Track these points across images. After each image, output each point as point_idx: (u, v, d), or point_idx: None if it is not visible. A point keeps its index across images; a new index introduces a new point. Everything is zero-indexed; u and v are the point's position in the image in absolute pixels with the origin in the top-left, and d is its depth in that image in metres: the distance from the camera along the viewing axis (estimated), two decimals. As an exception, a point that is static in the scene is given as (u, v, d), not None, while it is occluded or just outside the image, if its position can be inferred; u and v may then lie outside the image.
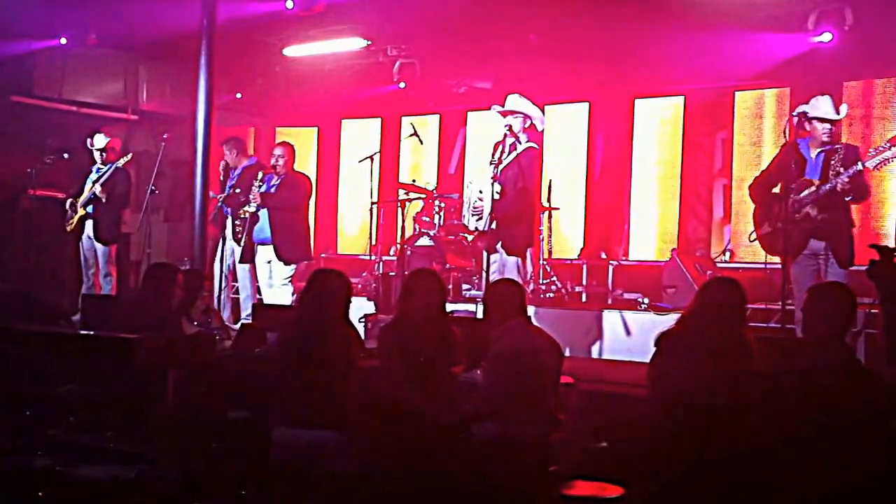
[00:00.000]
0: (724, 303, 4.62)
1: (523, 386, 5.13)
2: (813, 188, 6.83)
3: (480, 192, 7.46)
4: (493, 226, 7.41)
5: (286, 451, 4.97)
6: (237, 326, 8.07)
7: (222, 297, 9.04)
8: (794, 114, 6.99)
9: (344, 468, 4.84)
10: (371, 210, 11.12)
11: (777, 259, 7.35)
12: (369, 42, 11.17)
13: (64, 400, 6.18)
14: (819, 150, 6.95)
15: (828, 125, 6.90)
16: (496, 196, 7.37)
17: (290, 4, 9.34)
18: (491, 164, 7.50)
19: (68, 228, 9.53)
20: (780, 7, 9.25)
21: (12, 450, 5.36)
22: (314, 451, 4.90)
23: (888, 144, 6.76)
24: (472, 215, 7.59)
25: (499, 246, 7.52)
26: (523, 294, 5.59)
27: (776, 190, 7.19)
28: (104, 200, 9.34)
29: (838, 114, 6.93)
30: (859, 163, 6.68)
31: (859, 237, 7.11)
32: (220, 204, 9.06)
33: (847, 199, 6.76)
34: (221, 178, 9.11)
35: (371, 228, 11.23)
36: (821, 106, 6.94)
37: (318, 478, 4.79)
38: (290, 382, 5.12)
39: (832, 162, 6.82)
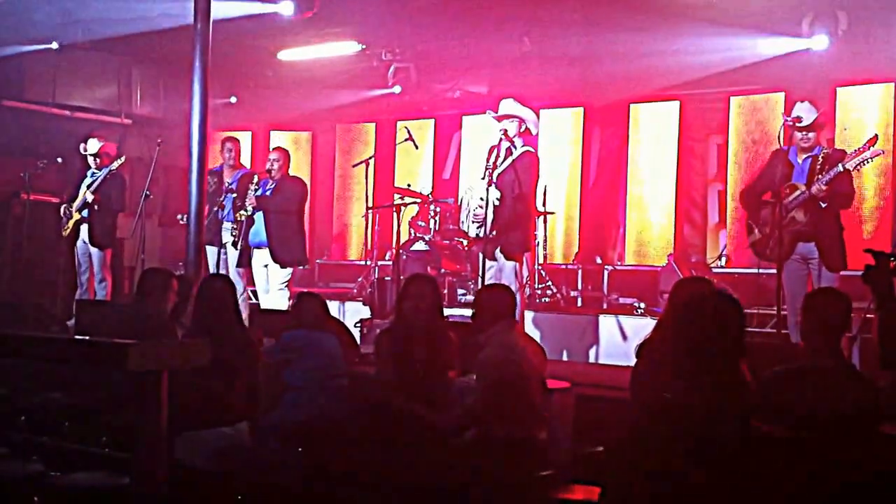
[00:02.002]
0: (694, 301, 4.60)
1: (512, 389, 5.12)
2: (798, 193, 6.87)
3: (482, 199, 7.42)
4: (494, 233, 7.39)
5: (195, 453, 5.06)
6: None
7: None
8: (788, 119, 7.01)
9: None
10: (366, 215, 11.12)
11: (773, 264, 7.36)
12: (364, 46, 11.17)
13: (58, 405, 6.15)
14: (805, 155, 6.98)
15: (803, 132, 6.93)
16: (496, 202, 7.35)
17: (288, 11, 9.26)
18: (486, 168, 7.49)
19: (64, 233, 9.51)
20: (774, 12, 9.27)
21: (6, 456, 5.33)
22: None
23: (867, 145, 6.79)
24: (473, 223, 7.54)
25: (497, 251, 7.50)
26: (514, 299, 5.59)
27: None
28: (97, 207, 9.33)
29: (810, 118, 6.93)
30: (839, 165, 6.71)
31: (863, 242, 7.10)
32: (214, 209, 9.05)
33: (822, 205, 6.78)
34: (213, 185, 9.10)
35: (366, 233, 11.23)
36: (796, 112, 6.98)
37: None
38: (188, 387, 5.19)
39: (817, 167, 6.86)
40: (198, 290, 5.76)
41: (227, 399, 5.41)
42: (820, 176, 6.78)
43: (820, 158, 6.89)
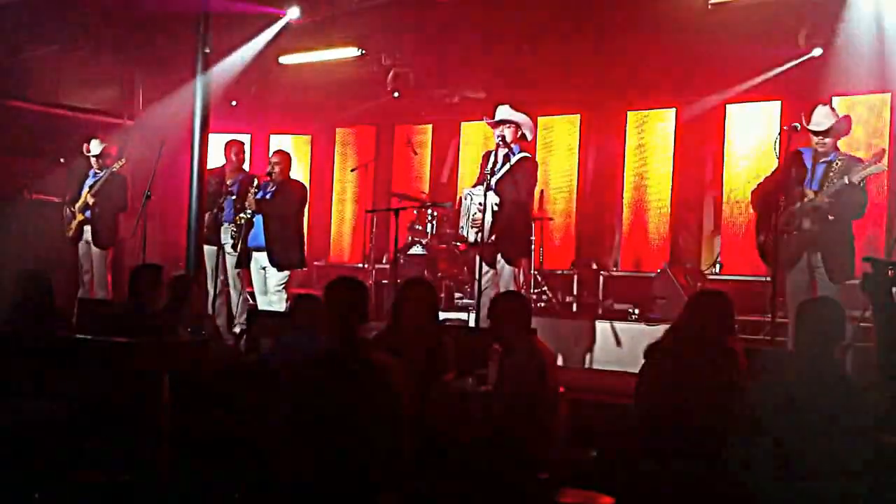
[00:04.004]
0: (711, 314, 4.68)
1: (534, 399, 5.18)
2: (807, 200, 6.79)
3: (481, 204, 7.47)
4: (493, 238, 7.44)
5: None
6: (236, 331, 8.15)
7: (217, 303, 9.09)
8: (798, 126, 6.96)
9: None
10: (364, 218, 11.18)
11: (767, 272, 7.35)
12: (363, 51, 11.23)
13: (59, 404, 6.19)
14: (821, 160, 6.89)
15: (818, 137, 6.86)
16: (495, 208, 7.41)
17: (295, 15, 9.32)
18: (485, 174, 7.55)
19: (68, 234, 9.62)
20: (771, 22, 9.32)
21: (8, 453, 5.38)
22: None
23: (874, 159, 6.74)
24: (472, 228, 7.58)
25: (498, 256, 7.55)
26: (530, 307, 5.67)
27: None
28: (98, 208, 9.43)
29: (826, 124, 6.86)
30: (845, 177, 6.63)
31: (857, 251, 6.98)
32: (214, 210, 9.12)
33: (830, 217, 6.70)
34: (213, 185, 9.16)
35: (364, 236, 11.29)
36: (814, 117, 6.90)
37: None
38: None
39: (830, 174, 6.77)
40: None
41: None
42: (828, 185, 6.71)
43: (834, 166, 6.80)
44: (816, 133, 6.87)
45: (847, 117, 7.01)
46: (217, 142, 9.50)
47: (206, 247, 8.91)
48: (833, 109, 6.97)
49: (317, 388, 4.25)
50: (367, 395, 4.18)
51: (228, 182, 9.34)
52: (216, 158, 9.52)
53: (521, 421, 5.10)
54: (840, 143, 7.05)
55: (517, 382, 5.18)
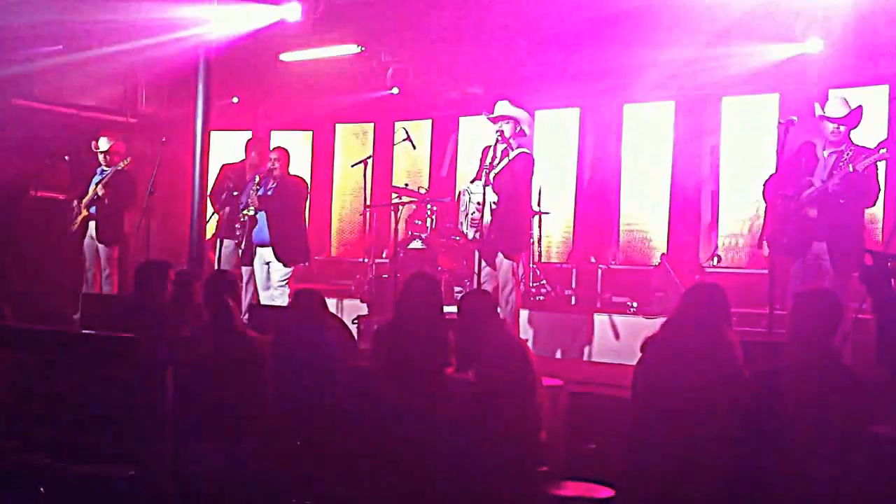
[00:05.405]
0: (708, 306, 4.73)
1: (517, 386, 5.23)
2: (812, 189, 6.79)
3: (478, 203, 7.51)
4: (491, 233, 7.49)
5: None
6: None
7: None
8: (795, 118, 6.98)
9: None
10: (364, 213, 11.23)
11: (763, 263, 7.37)
12: (363, 48, 11.28)
13: (63, 399, 6.25)
14: (831, 150, 6.88)
15: (833, 124, 6.84)
16: (493, 205, 7.45)
17: (296, 17, 9.37)
18: (483, 169, 7.59)
19: (72, 228, 9.68)
20: (768, 15, 9.35)
21: (13, 448, 5.44)
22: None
23: (877, 148, 6.72)
24: (470, 227, 7.63)
25: (499, 255, 7.60)
26: (495, 302, 5.78)
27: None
28: (106, 202, 9.50)
29: (843, 112, 6.85)
30: (850, 165, 6.63)
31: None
32: (227, 207, 9.22)
33: (840, 201, 6.68)
34: (230, 182, 9.26)
35: (364, 231, 11.34)
36: (829, 105, 6.91)
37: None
38: None
39: (840, 163, 6.76)
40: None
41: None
42: (836, 173, 6.72)
43: (845, 155, 6.78)
44: (832, 121, 6.87)
45: (860, 107, 6.98)
46: (217, 139, 9.58)
47: (225, 241, 9.04)
48: (846, 99, 6.96)
49: (206, 358, 5.56)
50: (244, 360, 5.48)
51: (248, 179, 9.43)
52: (220, 156, 9.61)
53: (508, 404, 5.15)
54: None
55: (499, 365, 5.24)
